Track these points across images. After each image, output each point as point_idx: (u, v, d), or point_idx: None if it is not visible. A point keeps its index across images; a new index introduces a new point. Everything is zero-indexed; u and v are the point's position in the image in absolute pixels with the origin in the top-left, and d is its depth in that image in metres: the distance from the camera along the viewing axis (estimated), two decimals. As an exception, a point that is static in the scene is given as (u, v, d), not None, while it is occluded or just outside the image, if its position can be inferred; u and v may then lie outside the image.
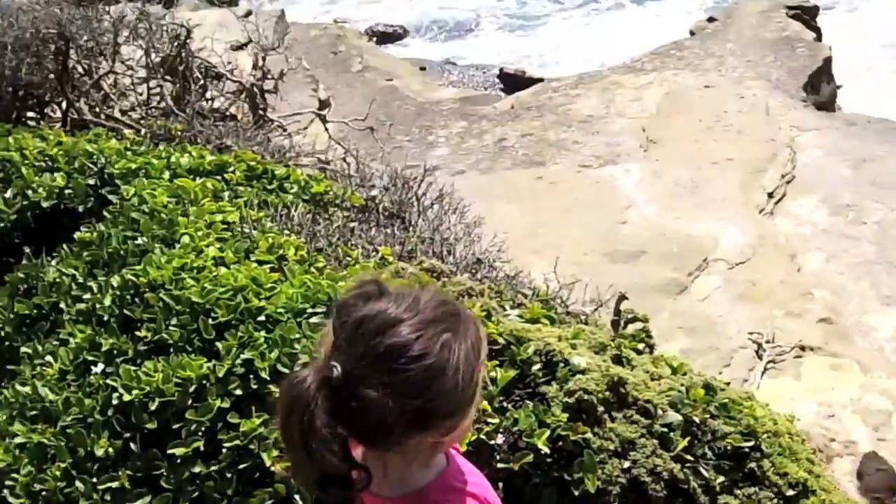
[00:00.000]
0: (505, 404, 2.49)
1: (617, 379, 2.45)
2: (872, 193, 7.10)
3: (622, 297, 3.54)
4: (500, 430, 2.39)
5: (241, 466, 2.37)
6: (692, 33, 10.04)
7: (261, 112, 6.00)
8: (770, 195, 7.31)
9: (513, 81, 11.49)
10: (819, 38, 9.30)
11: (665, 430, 2.51)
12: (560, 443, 2.42)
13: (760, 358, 5.59)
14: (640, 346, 2.98)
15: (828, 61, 8.90)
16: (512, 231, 5.60)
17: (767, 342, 5.66)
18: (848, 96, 9.73)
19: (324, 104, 8.78)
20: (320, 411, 1.46)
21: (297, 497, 2.31)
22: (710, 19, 9.98)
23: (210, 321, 2.62)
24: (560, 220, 7.14)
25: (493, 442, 2.38)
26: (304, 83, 8.95)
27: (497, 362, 2.55)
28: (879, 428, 5.20)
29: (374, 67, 10.42)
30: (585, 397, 2.42)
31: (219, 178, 3.66)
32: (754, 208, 7.22)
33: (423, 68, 11.72)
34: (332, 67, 10.37)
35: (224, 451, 2.38)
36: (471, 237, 4.22)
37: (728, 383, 2.89)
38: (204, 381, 2.48)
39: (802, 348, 5.68)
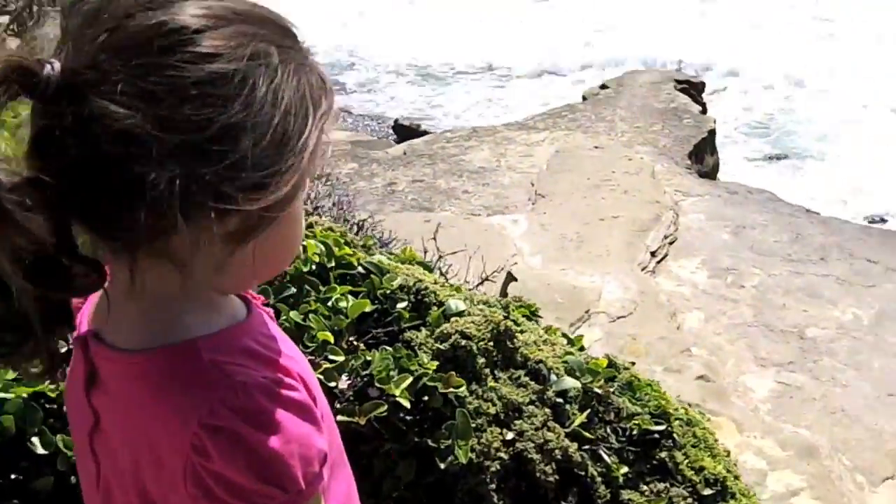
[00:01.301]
0: (356, 343, 1.96)
1: (504, 328, 2.03)
2: (751, 259, 7.06)
3: (510, 277, 3.20)
4: (346, 371, 1.83)
5: None
6: (584, 98, 10.02)
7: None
8: (653, 254, 7.20)
9: (407, 133, 11.25)
10: (704, 111, 9.39)
11: (560, 400, 2.04)
12: (426, 397, 1.88)
13: (639, 411, 5.35)
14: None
15: (712, 133, 8.97)
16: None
17: (646, 395, 5.43)
18: (726, 168, 9.83)
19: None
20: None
21: None
22: (603, 86, 9.99)
23: None
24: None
25: (332, 385, 1.81)
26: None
27: (349, 289, 2.04)
28: (754, 487, 5.00)
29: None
30: (462, 343, 1.90)
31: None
32: (637, 266, 7.08)
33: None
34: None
35: None
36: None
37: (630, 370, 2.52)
38: None
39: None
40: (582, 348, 2.43)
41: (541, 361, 2.08)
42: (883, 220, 9.50)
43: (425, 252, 3.14)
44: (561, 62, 14.37)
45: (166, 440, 0.97)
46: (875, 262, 6.86)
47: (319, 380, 1.56)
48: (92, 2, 0.90)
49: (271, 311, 1.22)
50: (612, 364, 2.31)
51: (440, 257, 3.17)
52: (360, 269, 2.14)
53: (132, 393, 1.00)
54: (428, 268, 2.48)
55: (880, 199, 10.29)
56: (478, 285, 3.48)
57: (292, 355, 1.09)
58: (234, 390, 0.96)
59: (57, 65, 0.87)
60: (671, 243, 7.35)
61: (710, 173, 8.74)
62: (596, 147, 8.81)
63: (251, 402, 0.96)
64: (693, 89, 9.65)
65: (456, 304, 2.10)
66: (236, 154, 0.88)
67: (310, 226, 2.28)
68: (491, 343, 2.03)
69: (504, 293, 3.18)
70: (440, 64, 14.58)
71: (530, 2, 17.04)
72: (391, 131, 11.69)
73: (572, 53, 14.61)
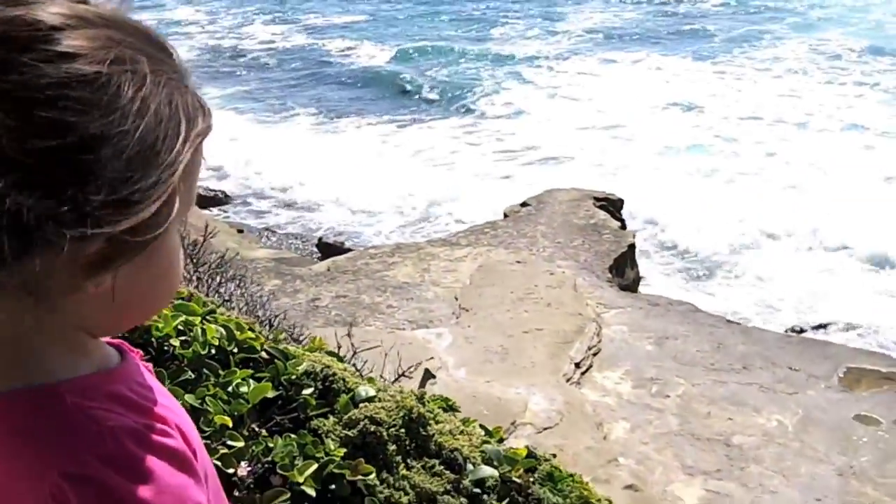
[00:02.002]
0: (258, 429, 1.81)
1: (416, 415, 1.86)
2: (675, 369, 7.01)
3: (428, 374, 3.03)
4: (246, 457, 1.66)
5: None
6: (506, 215, 10.08)
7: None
8: (577, 365, 7.11)
9: (331, 250, 11.14)
10: (623, 227, 9.50)
11: (477, 490, 1.88)
12: (332, 486, 1.72)
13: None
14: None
15: (632, 248, 9.05)
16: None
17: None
18: (646, 283, 9.91)
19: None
20: None
21: None
22: (524, 204, 10.07)
23: None
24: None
25: (231, 471, 1.63)
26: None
27: (250, 373, 1.89)
28: None
29: (188, 223, 9.85)
30: (372, 429, 1.76)
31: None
32: (562, 377, 6.97)
33: (240, 231, 11.22)
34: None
35: None
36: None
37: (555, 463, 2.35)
38: None
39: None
40: (501, 440, 2.26)
41: (456, 450, 1.93)
42: (802, 331, 9.61)
43: (339, 347, 2.97)
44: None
45: (23, 494, 0.83)
46: (797, 369, 6.87)
47: (217, 467, 1.39)
48: None
49: (150, 365, 1.08)
50: (531, 454, 2.15)
51: (354, 353, 3.00)
52: (263, 353, 1.98)
53: None
54: (338, 357, 2.31)
55: (797, 313, 10.46)
56: (394, 381, 3.30)
57: (170, 406, 0.95)
58: (101, 436, 0.83)
59: None
60: (595, 354, 7.27)
61: (630, 286, 8.76)
62: (518, 262, 8.80)
63: (120, 448, 0.83)
64: (612, 206, 9.78)
65: (366, 389, 1.95)
66: (96, 165, 0.76)
67: (211, 311, 2.12)
68: (403, 430, 1.88)
69: (423, 386, 3.02)
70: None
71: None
72: (315, 249, 11.57)
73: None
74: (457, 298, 8.25)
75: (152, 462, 0.84)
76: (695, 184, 14.68)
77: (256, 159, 15.08)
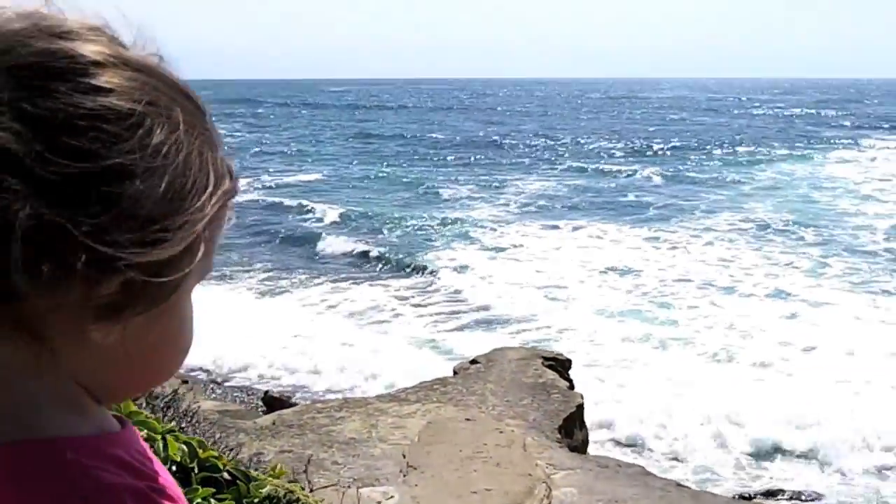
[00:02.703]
0: None
1: None
2: (626, 533, 6.79)
3: None
4: None
5: None
6: (455, 372, 9.95)
7: None
8: (528, 528, 6.83)
9: (277, 404, 10.85)
10: (572, 387, 9.42)
11: None
12: None
13: None
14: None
15: (580, 408, 8.94)
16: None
17: None
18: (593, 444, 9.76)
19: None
20: None
21: None
22: (473, 361, 9.98)
23: None
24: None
25: None
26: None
27: (212, 491, 1.75)
28: None
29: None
30: None
31: None
32: (512, 539, 6.68)
33: (185, 381, 10.88)
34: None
35: None
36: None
37: None
38: None
39: None
40: None
41: None
42: (751, 497, 9.47)
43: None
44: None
45: None
46: (747, 535, 6.70)
47: None
48: None
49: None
50: None
51: (311, 490, 2.82)
52: (225, 474, 1.86)
53: None
54: (301, 487, 2.17)
55: (739, 479, 10.36)
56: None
57: (170, 482, 0.87)
58: (100, 491, 0.76)
59: None
60: (545, 516, 7.02)
61: (579, 447, 8.60)
62: (467, 419, 8.61)
63: None
64: (560, 366, 9.74)
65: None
66: (123, 199, 0.73)
67: (171, 430, 1.98)
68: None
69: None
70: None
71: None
72: (260, 402, 11.25)
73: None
74: (405, 456, 7.99)
75: None
76: (628, 348, 14.87)
77: (204, 317, 14.81)
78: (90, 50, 0.78)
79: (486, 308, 16.86)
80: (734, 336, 15.57)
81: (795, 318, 16.64)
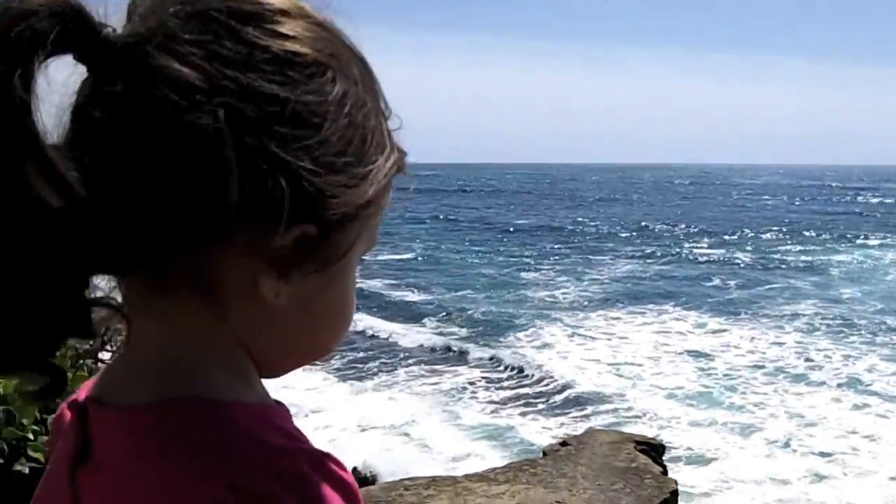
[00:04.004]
0: None
1: None
2: None
3: None
4: None
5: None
6: (545, 454, 9.58)
7: None
8: None
9: (363, 482, 10.63)
10: (665, 472, 8.95)
11: None
12: None
13: None
14: None
15: (674, 494, 8.47)
16: None
17: None
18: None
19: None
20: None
21: None
22: (563, 443, 9.60)
23: None
24: None
25: None
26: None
27: None
28: None
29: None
30: None
31: None
32: None
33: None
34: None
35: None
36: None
37: None
38: None
39: None
40: None
41: None
42: None
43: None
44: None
45: None
46: None
47: None
48: None
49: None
50: None
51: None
52: None
53: (132, 460, 0.73)
54: None
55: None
56: None
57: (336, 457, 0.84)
58: (275, 452, 0.73)
59: (117, 30, 0.71)
60: None
61: (675, 536, 8.11)
62: (558, 502, 8.22)
63: (294, 467, 0.72)
64: (653, 450, 9.29)
65: None
66: (309, 137, 0.72)
67: None
68: None
69: None
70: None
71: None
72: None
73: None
74: (494, 538, 7.64)
75: (326, 490, 0.73)
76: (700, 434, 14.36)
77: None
78: (278, 1, 0.77)
79: (569, 386, 16.62)
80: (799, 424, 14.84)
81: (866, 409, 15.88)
